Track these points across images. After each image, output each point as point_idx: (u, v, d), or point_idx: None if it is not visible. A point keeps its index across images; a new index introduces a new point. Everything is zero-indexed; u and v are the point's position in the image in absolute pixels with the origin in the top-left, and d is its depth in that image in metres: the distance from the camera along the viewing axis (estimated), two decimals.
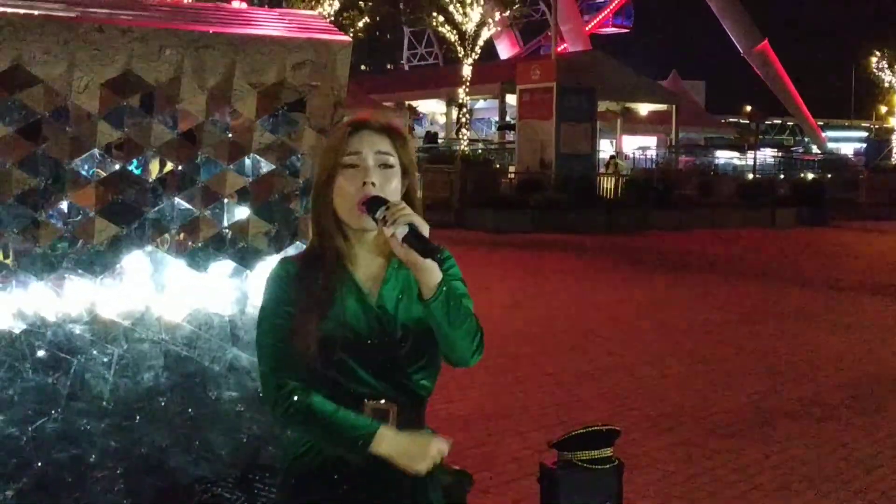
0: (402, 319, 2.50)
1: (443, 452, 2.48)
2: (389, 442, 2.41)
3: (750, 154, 44.94)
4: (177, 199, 4.72)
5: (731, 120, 68.73)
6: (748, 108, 62.10)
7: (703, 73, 77.91)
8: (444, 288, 2.41)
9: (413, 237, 2.37)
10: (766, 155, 48.75)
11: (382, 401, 2.48)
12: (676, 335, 10.96)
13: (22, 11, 4.33)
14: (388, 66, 73.07)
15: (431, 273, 2.40)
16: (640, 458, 6.19)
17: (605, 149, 41.25)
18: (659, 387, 8.45)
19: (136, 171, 4.62)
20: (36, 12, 4.40)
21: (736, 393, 8.34)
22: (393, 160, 2.53)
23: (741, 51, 65.42)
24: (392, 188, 2.51)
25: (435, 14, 38.87)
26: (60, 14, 4.44)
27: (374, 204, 2.45)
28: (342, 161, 2.50)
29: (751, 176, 38.68)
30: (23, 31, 4.23)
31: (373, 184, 2.48)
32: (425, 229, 2.39)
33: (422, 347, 2.51)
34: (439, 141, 47.17)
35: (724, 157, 48.89)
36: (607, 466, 4.42)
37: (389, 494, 2.51)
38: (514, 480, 5.88)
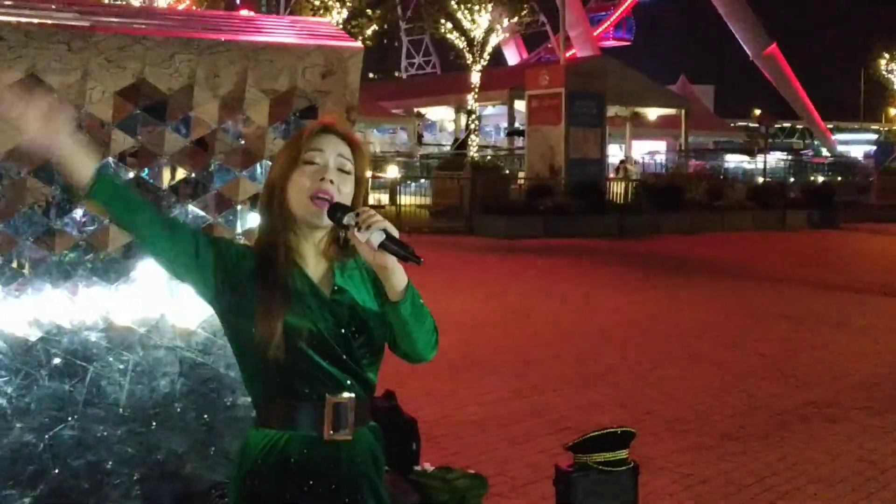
0: (355, 317, 2.57)
1: None
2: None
3: (759, 157, 44.91)
4: (190, 206, 4.75)
5: (740, 124, 68.69)
6: (757, 111, 62.03)
7: (711, 77, 77.79)
8: (412, 289, 2.50)
9: (390, 241, 2.42)
10: (776, 158, 48.67)
11: (344, 394, 2.54)
12: (689, 338, 10.95)
13: (36, 21, 4.36)
14: (396, 74, 73.18)
15: (400, 276, 2.47)
16: (655, 460, 6.18)
17: (615, 153, 41.26)
18: (672, 390, 8.44)
19: (150, 179, 4.65)
20: (50, 21, 4.43)
21: (749, 395, 8.33)
22: (350, 167, 2.60)
23: (750, 54, 65.35)
24: (346, 192, 2.58)
25: (443, 21, 38.89)
26: (74, 23, 4.47)
27: (338, 209, 2.51)
28: (304, 157, 2.57)
29: (761, 179, 38.62)
30: (37, 41, 4.26)
31: (331, 181, 2.55)
32: (395, 233, 2.44)
33: (372, 341, 2.59)
34: (446, 147, 47.20)
35: (733, 160, 48.81)
36: (622, 469, 4.42)
37: (346, 488, 2.56)
38: (530, 484, 5.88)
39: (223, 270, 2.56)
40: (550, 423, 7.21)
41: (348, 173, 2.59)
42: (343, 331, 2.55)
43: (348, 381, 2.55)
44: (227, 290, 2.56)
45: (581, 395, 8.16)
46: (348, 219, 2.46)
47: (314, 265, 2.61)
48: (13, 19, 4.30)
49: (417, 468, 5.32)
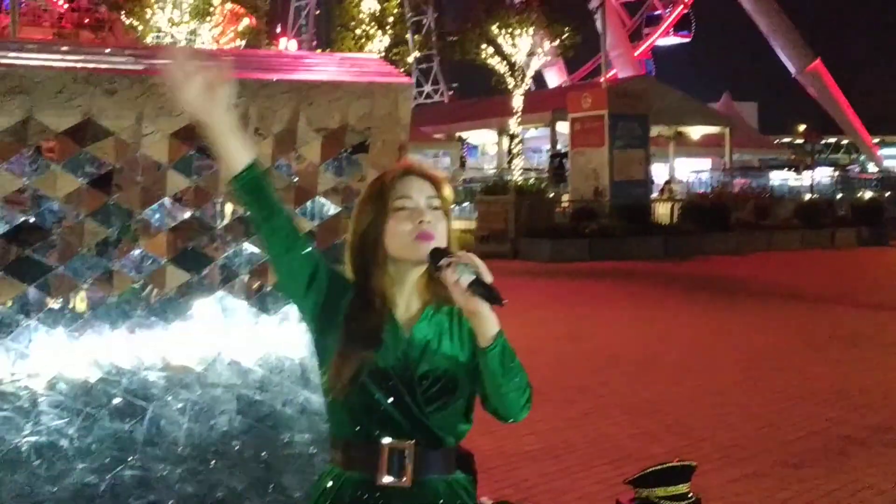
0: (427, 360, 2.54)
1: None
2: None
3: (805, 174, 44.54)
4: (245, 244, 4.78)
5: (784, 140, 68.13)
6: (802, 127, 61.56)
7: (755, 94, 77.35)
8: (502, 338, 2.46)
9: (478, 284, 2.41)
10: (822, 175, 48.23)
11: (404, 440, 2.50)
12: (740, 362, 10.84)
13: (91, 66, 4.42)
14: (437, 99, 73.38)
15: (490, 322, 2.44)
16: (713, 490, 6.11)
17: (658, 173, 41.06)
18: (726, 416, 8.35)
19: (205, 218, 4.69)
20: (104, 66, 4.49)
21: (805, 421, 8.22)
22: (438, 203, 2.59)
23: (793, 71, 64.94)
24: (441, 229, 2.57)
25: (484, 46, 39.00)
26: (128, 67, 4.52)
27: (437, 254, 2.50)
28: (393, 205, 2.55)
29: (808, 196, 38.28)
30: (93, 86, 4.32)
31: (428, 221, 2.54)
32: (489, 277, 2.43)
33: (442, 392, 2.52)
34: (490, 171, 47.20)
35: (779, 178, 48.43)
36: (684, 503, 4.37)
37: None
38: None
39: (329, 299, 2.56)
40: (605, 453, 7.16)
41: (438, 209, 2.58)
42: (410, 372, 2.52)
43: (409, 426, 2.51)
44: (325, 318, 2.57)
45: (634, 423, 8.10)
46: (444, 260, 2.46)
47: (405, 305, 2.60)
48: (69, 65, 4.37)
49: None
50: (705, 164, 50.36)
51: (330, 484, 2.56)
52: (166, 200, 4.57)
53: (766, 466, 6.87)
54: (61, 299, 4.35)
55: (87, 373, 4.40)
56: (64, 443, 4.31)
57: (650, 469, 4.41)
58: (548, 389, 9.30)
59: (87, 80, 4.30)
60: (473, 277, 2.41)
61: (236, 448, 4.67)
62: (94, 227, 4.41)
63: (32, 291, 4.28)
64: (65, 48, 4.62)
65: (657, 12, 72.43)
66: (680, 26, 72.61)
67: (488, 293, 2.42)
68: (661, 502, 4.32)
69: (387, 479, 2.49)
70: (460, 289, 2.41)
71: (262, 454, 4.71)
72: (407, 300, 2.60)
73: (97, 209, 4.41)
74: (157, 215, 4.56)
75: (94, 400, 4.39)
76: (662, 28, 71.08)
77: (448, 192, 2.66)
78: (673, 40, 72.83)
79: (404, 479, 2.49)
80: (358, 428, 2.52)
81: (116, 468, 4.40)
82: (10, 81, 4.13)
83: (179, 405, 4.56)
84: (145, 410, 4.47)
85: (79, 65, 4.40)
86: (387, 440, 2.50)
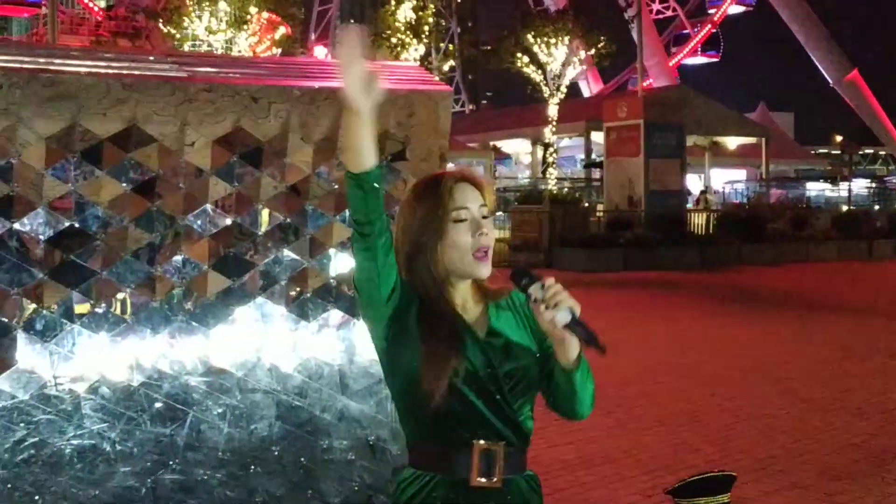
0: (509, 358, 2.58)
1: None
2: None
3: (842, 185, 44.18)
4: (285, 251, 4.81)
5: (821, 151, 67.69)
6: (838, 138, 61.14)
7: (791, 104, 76.89)
8: (583, 359, 2.54)
9: (577, 325, 2.46)
10: (860, 186, 47.84)
11: (495, 440, 2.53)
12: (778, 374, 10.75)
13: (136, 72, 4.47)
14: (471, 107, 73.47)
15: (574, 347, 2.51)
16: (751, 501, 6.07)
17: (692, 184, 40.88)
18: (765, 428, 8.29)
19: (247, 224, 4.72)
20: (149, 73, 4.54)
21: (845, 433, 8.14)
22: (487, 211, 2.61)
23: (830, 81, 64.53)
24: (493, 237, 2.61)
25: (519, 55, 38.97)
26: (173, 75, 4.57)
27: (522, 275, 2.52)
28: (452, 216, 2.55)
29: (845, 208, 37.97)
30: (138, 93, 4.36)
31: (486, 233, 2.57)
32: (578, 309, 2.47)
33: (525, 383, 2.59)
34: (525, 181, 47.17)
35: (815, 189, 48.09)
36: None
37: None
38: None
39: (401, 306, 2.56)
40: (643, 464, 7.12)
41: (487, 217, 2.61)
42: (496, 371, 2.55)
43: (500, 426, 2.55)
44: (397, 330, 2.56)
45: (672, 434, 8.05)
46: (534, 290, 2.48)
47: (470, 307, 2.63)
48: (114, 72, 4.41)
49: None
50: (740, 174, 50.10)
51: (417, 489, 2.57)
52: (208, 207, 4.61)
53: (805, 479, 6.81)
54: (105, 304, 4.40)
55: (130, 377, 4.44)
56: (106, 446, 4.35)
57: (690, 479, 4.38)
58: None
59: (131, 87, 4.35)
60: (570, 317, 2.45)
61: (275, 453, 4.70)
62: (138, 233, 4.45)
63: (76, 296, 4.33)
64: (109, 55, 4.68)
65: (685, 31, 72.16)
66: (708, 45, 72.24)
67: (587, 337, 2.47)
68: None
69: (480, 480, 2.53)
70: (548, 320, 2.45)
71: (301, 460, 4.73)
72: (465, 303, 2.63)
73: (140, 215, 4.45)
74: (199, 221, 4.60)
75: (136, 404, 4.43)
76: (689, 48, 70.74)
77: (492, 197, 2.68)
78: (700, 60, 72.43)
79: (495, 479, 2.53)
80: (450, 431, 2.54)
81: (157, 472, 4.43)
82: (57, 88, 4.19)
83: (220, 410, 4.60)
84: (186, 415, 4.51)
85: (124, 71, 4.44)
86: (479, 441, 2.53)
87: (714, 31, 71.24)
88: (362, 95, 2.39)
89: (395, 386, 2.63)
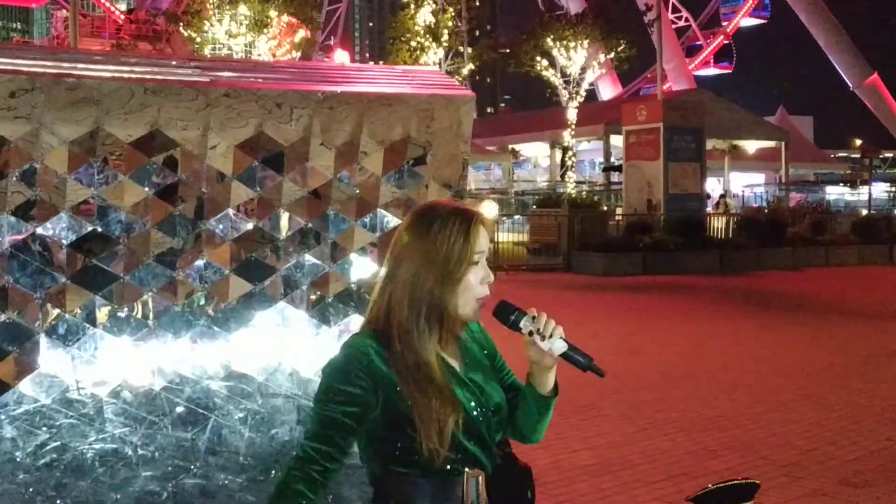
0: (490, 396, 2.61)
1: None
2: None
3: (862, 189, 43.92)
4: (307, 256, 4.80)
5: (840, 154, 67.43)
6: (858, 142, 60.86)
7: (810, 107, 76.59)
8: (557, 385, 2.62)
9: (573, 352, 2.54)
10: (880, 190, 47.60)
11: (478, 471, 2.51)
12: (799, 379, 10.70)
13: (159, 77, 4.47)
14: (489, 110, 73.50)
15: (553, 376, 2.62)
16: None
17: (712, 187, 40.76)
18: (786, 433, 8.24)
19: (269, 229, 4.72)
20: (172, 77, 4.54)
21: (866, 439, 8.09)
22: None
23: (850, 85, 64.25)
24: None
25: (538, 59, 38.95)
26: (195, 79, 4.57)
27: (508, 311, 2.56)
28: (474, 260, 2.52)
29: (865, 212, 37.77)
30: (160, 97, 4.36)
31: (491, 281, 2.57)
32: (560, 331, 2.56)
33: (502, 419, 2.65)
34: (543, 184, 47.13)
35: (835, 192, 47.87)
36: None
37: None
38: None
39: (379, 400, 2.51)
40: (663, 469, 7.09)
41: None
42: (483, 409, 2.57)
43: (484, 459, 2.58)
44: (382, 409, 2.52)
45: (692, 439, 8.01)
46: (525, 324, 2.54)
47: (450, 350, 2.61)
48: (137, 76, 4.42)
49: None
50: (760, 178, 49.93)
51: None
52: (230, 211, 4.60)
53: (827, 485, 6.77)
54: (127, 308, 4.40)
55: (151, 381, 4.44)
56: (128, 450, 4.35)
57: (713, 486, 4.36)
58: (603, 405, 9.25)
59: (154, 92, 4.35)
60: (566, 346, 2.53)
61: None
62: (160, 238, 4.45)
63: (98, 300, 4.34)
64: (132, 60, 4.68)
65: (697, 43, 71.93)
66: (721, 56, 71.94)
67: (585, 362, 2.56)
68: None
69: None
70: (538, 349, 2.53)
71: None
72: (449, 343, 2.61)
73: (163, 219, 4.45)
74: (221, 226, 4.60)
75: (158, 408, 4.43)
76: (700, 58, 70.46)
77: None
78: (712, 71, 72.15)
79: None
80: (442, 470, 2.53)
81: (179, 476, 4.43)
82: (80, 92, 4.19)
83: (241, 415, 4.59)
84: (208, 419, 4.50)
85: (146, 76, 4.45)
86: (468, 473, 2.50)
87: (727, 42, 70.96)
88: None
89: (378, 442, 2.57)
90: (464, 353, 2.64)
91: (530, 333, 2.52)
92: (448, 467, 2.53)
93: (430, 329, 2.52)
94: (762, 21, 72.18)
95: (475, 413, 2.54)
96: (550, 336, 2.50)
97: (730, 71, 72.64)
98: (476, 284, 2.53)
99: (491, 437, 2.59)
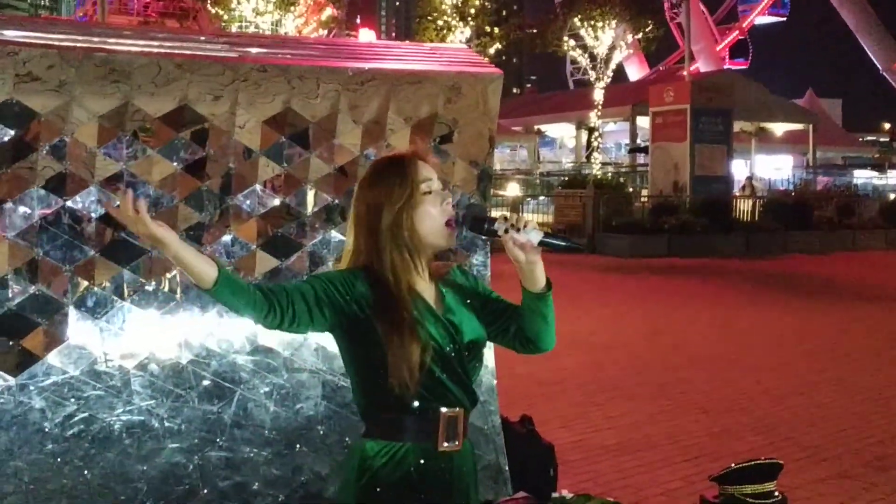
0: (466, 332, 2.74)
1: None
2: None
3: (890, 173, 43.57)
4: (333, 232, 4.82)
5: (869, 138, 66.84)
6: (887, 125, 60.36)
7: (839, 90, 75.92)
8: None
9: (549, 237, 2.65)
10: None
11: (456, 408, 2.71)
12: (824, 362, 10.66)
13: (188, 53, 4.49)
14: (515, 91, 73.26)
15: (541, 271, 2.70)
16: (798, 490, 6.02)
17: (739, 170, 40.51)
18: (811, 416, 8.22)
19: (295, 205, 4.74)
20: (200, 53, 4.56)
21: (890, 422, 8.05)
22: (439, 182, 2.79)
23: (880, 67, 63.66)
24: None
25: (566, 38, 38.78)
26: (224, 55, 4.59)
27: (480, 221, 2.70)
28: (421, 189, 2.70)
29: (893, 196, 37.48)
30: (189, 73, 4.38)
31: (450, 203, 2.75)
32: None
33: (480, 356, 2.80)
34: (569, 165, 46.98)
35: (863, 176, 47.48)
36: (770, 501, 4.31)
37: (456, 495, 2.74)
38: None
39: (339, 313, 2.66)
40: (686, 450, 7.09)
41: (447, 189, 2.83)
42: (457, 346, 2.70)
43: (461, 395, 2.71)
44: (345, 322, 2.68)
45: (716, 420, 8.01)
46: (499, 225, 2.64)
47: (425, 287, 2.75)
48: (166, 51, 4.44)
49: (556, 495, 5.28)
50: (787, 161, 49.58)
51: (388, 458, 2.67)
52: (257, 187, 4.63)
53: (852, 467, 6.75)
54: (155, 282, 4.44)
55: (178, 354, 4.48)
56: (154, 423, 4.40)
57: (736, 466, 4.36)
58: (626, 385, 9.25)
59: (183, 67, 4.38)
60: (542, 235, 2.63)
61: (321, 432, 4.73)
62: (188, 211, 4.48)
63: (126, 273, 4.37)
64: (162, 35, 4.71)
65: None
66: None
67: (565, 242, 2.70)
68: (747, 500, 4.27)
69: (446, 445, 2.69)
70: (520, 247, 2.61)
71: (346, 439, 4.74)
72: (426, 280, 2.76)
73: (191, 194, 4.48)
74: (248, 201, 4.62)
75: (185, 381, 4.47)
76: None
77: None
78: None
79: (457, 442, 2.72)
80: (417, 404, 2.66)
81: (205, 449, 4.47)
82: (110, 67, 4.22)
83: (266, 389, 4.63)
84: (234, 393, 4.55)
85: (175, 51, 4.47)
86: (443, 409, 2.69)
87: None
88: (147, 234, 2.48)
89: (360, 373, 2.73)
90: (442, 292, 2.77)
91: (506, 231, 2.62)
92: (424, 405, 2.66)
93: (399, 264, 2.69)
94: (781, 19, 71.40)
95: (448, 349, 2.67)
96: (525, 228, 2.60)
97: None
98: (435, 210, 2.70)
99: (468, 374, 2.72)
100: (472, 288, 2.85)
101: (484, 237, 2.73)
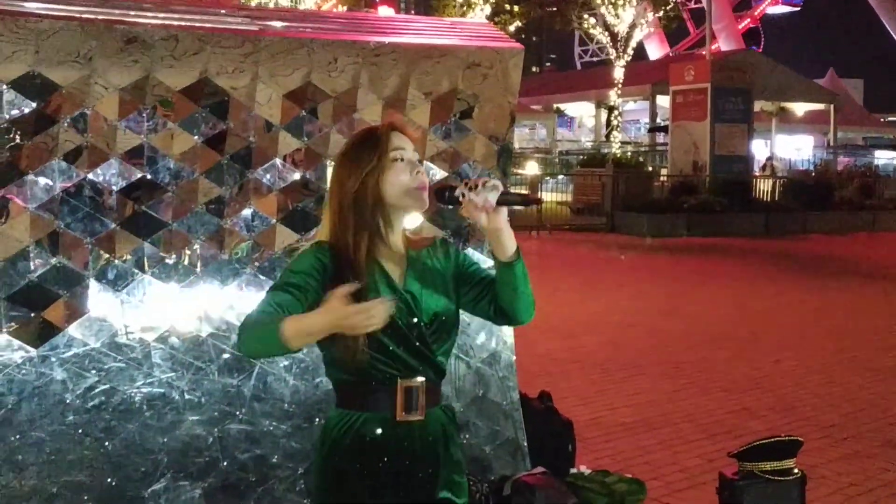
0: (427, 304, 2.72)
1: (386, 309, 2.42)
2: (298, 324, 2.42)
3: None
4: None
5: (890, 119, 66.31)
6: None
7: (861, 70, 75.34)
8: (520, 254, 2.66)
9: (508, 195, 2.59)
10: None
11: (416, 378, 2.69)
12: (843, 342, 10.62)
13: (209, 26, 4.49)
14: (534, 69, 72.96)
15: (511, 236, 2.64)
16: (816, 469, 6.00)
17: (759, 149, 40.30)
18: (829, 395, 8.20)
19: (314, 178, 4.74)
20: (221, 26, 4.55)
21: None
22: (418, 158, 2.79)
23: None
24: (426, 178, 2.77)
25: (586, 16, 38.60)
26: (244, 28, 4.58)
27: (441, 190, 2.69)
28: (390, 157, 2.70)
29: None
30: (210, 45, 4.38)
31: (422, 172, 2.73)
32: (500, 186, 2.62)
33: (445, 329, 2.76)
34: (588, 144, 46.83)
35: (884, 157, 47.15)
36: (790, 478, 4.32)
37: (420, 464, 2.72)
38: (685, 489, 5.79)
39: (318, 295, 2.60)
40: (704, 428, 7.08)
41: (421, 161, 2.79)
42: (415, 319, 2.70)
43: (420, 367, 2.70)
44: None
45: (734, 399, 7.99)
46: (459, 191, 2.61)
47: (389, 256, 2.74)
48: (187, 24, 4.44)
49: (574, 470, 5.30)
50: (808, 141, 49.28)
51: (346, 427, 2.70)
52: (277, 161, 4.63)
53: (871, 447, 6.73)
54: (175, 255, 4.45)
55: (198, 328, 4.50)
56: (174, 395, 4.42)
57: (756, 443, 4.37)
58: (644, 363, 9.24)
59: (203, 40, 4.37)
60: (500, 192, 2.57)
61: None
62: (208, 185, 4.49)
63: (147, 246, 4.39)
64: (182, 8, 4.69)
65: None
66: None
67: (522, 198, 2.64)
68: (767, 476, 4.28)
69: (404, 415, 2.69)
70: (487, 208, 2.56)
71: None
72: (395, 251, 2.76)
73: (211, 168, 4.48)
74: (268, 176, 4.62)
75: (205, 355, 4.49)
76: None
77: (422, 149, 2.94)
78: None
79: (418, 412, 2.70)
80: (373, 373, 2.66)
81: (225, 422, 4.49)
82: (131, 39, 4.22)
83: (286, 363, 4.64)
84: (253, 367, 4.56)
85: (196, 24, 4.47)
86: (401, 380, 2.68)
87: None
88: (353, 330, 2.42)
89: (321, 342, 2.67)
90: (411, 263, 2.76)
91: (463, 196, 2.58)
92: (379, 375, 2.66)
93: (359, 228, 2.68)
94: (794, 8, 70.78)
95: (401, 321, 2.65)
96: (484, 188, 2.56)
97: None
98: (405, 177, 2.70)
99: (428, 347, 2.71)
100: (448, 259, 2.83)
101: (450, 207, 2.67)
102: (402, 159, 2.71)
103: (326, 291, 2.50)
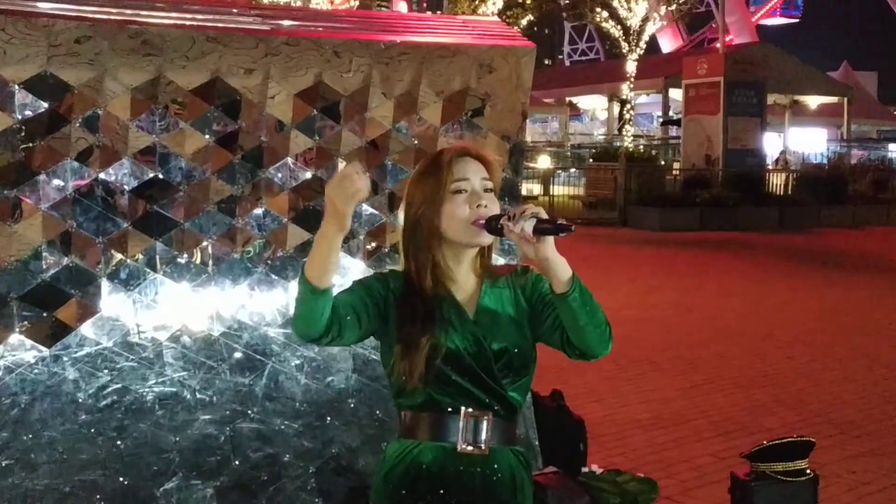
0: (498, 337, 2.63)
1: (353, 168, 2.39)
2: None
3: None
4: (364, 206, 4.82)
5: None
6: None
7: (875, 63, 74.96)
8: (577, 280, 2.49)
9: (542, 222, 2.43)
10: None
11: (482, 410, 2.60)
12: (857, 338, 10.58)
13: (221, 25, 4.48)
14: (547, 62, 72.79)
15: (562, 266, 2.46)
16: (829, 467, 5.99)
17: (772, 143, 40.14)
18: (843, 393, 8.17)
19: (326, 179, 4.73)
20: (232, 25, 4.55)
21: None
22: (491, 185, 2.66)
23: None
24: (496, 209, 2.63)
25: (598, 10, 38.48)
26: (256, 27, 4.57)
27: (492, 220, 2.56)
28: (451, 188, 2.62)
29: None
30: (222, 45, 4.38)
31: (485, 205, 2.60)
32: (542, 214, 2.47)
33: (515, 364, 2.64)
34: (600, 137, 46.74)
35: None
36: (802, 479, 4.30)
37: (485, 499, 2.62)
38: (698, 488, 5.79)
39: (378, 316, 2.62)
40: (718, 425, 7.07)
41: (492, 190, 2.65)
42: (483, 350, 2.61)
43: (489, 401, 2.61)
44: (384, 323, 2.64)
45: (748, 396, 7.98)
46: (502, 221, 2.51)
47: (462, 284, 2.68)
48: (199, 24, 4.43)
49: (586, 470, 5.28)
50: (820, 134, 49.09)
51: (403, 454, 2.64)
52: (289, 160, 4.63)
53: (885, 444, 6.71)
54: (187, 254, 4.45)
55: (210, 327, 4.50)
56: (186, 394, 4.42)
57: (767, 443, 4.35)
58: (658, 359, 9.23)
59: (215, 40, 4.37)
60: (535, 220, 2.43)
61: (351, 406, 4.74)
62: (220, 184, 4.49)
63: (159, 246, 4.39)
64: (194, 7, 4.68)
65: None
66: (788, 6, 69.99)
67: (554, 226, 2.43)
68: (779, 477, 4.26)
69: (466, 447, 2.58)
70: (527, 238, 2.43)
71: (377, 413, 4.76)
72: (464, 280, 2.68)
73: (223, 167, 4.48)
74: (280, 174, 4.62)
75: (216, 353, 4.49)
76: (767, 7, 68.83)
77: (499, 173, 2.74)
78: (780, 21, 70.48)
79: (482, 446, 2.59)
80: (436, 400, 2.60)
81: (236, 420, 4.49)
82: (143, 40, 4.21)
83: (297, 362, 4.64)
84: (265, 365, 4.56)
85: (208, 24, 4.46)
86: (467, 409, 2.59)
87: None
88: (346, 202, 2.39)
89: (383, 360, 2.73)
90: (485, 294, 2.68)
91: (500, 230, 2.51)
92: (441, 404, 2.60)
93: (420, 260, 2.63)
94: (794, 20, 70.52)
95: (464, 351, 2.58)
96: (522, 217, 2.43)
97: (797, 21, 70.88)
98: (461, 211, 2.60)
99: (495, 380, 2.61)
100: (527, 293, 2.70)
101: (501, 238, 2.59)
102: (465, 191, 2.61)
103: (386, 318, 2.56)
